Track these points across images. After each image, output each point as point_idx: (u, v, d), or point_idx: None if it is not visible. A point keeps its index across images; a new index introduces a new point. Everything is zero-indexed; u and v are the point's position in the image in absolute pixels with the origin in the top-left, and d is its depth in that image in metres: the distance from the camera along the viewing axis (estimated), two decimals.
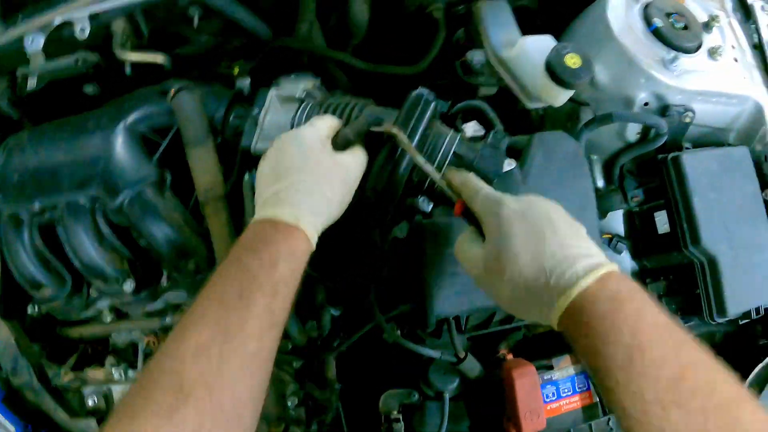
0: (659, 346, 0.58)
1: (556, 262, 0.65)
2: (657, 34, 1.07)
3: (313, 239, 0.75)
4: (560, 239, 0.67)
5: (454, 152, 0.91)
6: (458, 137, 0.93)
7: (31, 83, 1.24)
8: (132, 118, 1.05)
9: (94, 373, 1.11)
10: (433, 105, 0.90)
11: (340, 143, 0.84)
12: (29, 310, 1.16)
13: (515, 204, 0.71)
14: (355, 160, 0.84)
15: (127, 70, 1.21)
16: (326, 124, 0.85)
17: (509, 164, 0.92)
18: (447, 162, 0.91)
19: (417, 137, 0.88)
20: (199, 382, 0.59)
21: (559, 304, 0.63)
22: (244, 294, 0.66)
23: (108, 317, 1.14)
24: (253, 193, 0.98)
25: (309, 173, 0.77)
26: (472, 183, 0.78)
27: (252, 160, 1.01)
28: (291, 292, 0.71)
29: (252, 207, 0.98)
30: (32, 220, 1.08)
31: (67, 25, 1.12)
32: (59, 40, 1.18)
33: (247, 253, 0.71)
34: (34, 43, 1.18)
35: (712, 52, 1.09)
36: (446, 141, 0.92)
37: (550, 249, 0.66)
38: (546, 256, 0.66)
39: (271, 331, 0.67)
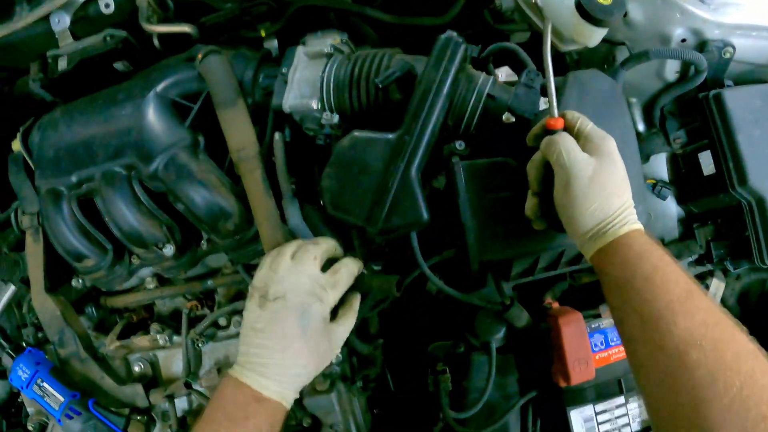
0: (675, 272, 0.70)
1: (630, 204, 0.78)
2: None
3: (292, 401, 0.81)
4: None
5: (488, 94, 0.90)
6: (491, 79, 0.91)
7: (62, 64, 1.25)
8: (161, 86, 1.05)
9: (140, 341, 1.12)
10: (463, 47, 0.88)
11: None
12: (73, 283, 1.18)
13: (615, 144, 0.81)
14: (346, 328, 0.85)
15: (156, 42, 1.22)
16: (333, 297, 0.84)
17: (545, 103, 0.89)
18: (482, 104, 0.89)
19: (449, 81, 0.87)
20: None
21: (622, 229, 0.74)
22: None
23: (151, 284, 1.15)
24: (285, 155, 0.99)
25: (302, 357, 0.79)
26: (579, 115, 0.83)
27: (284, 119, 1.01)
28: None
29: (284, 167, 0.99)
30: (70, 193, 1.09)
31: (92, 1, 1.14)
32: (86, 19, 1.20)
33: (229, 424, 0.75)
34: (61, 23, 1.20)
35: None
36: (479, 83, 0.90)
37: (629, 194, 0.79)
38: (627, 196, 0.78)
39: None
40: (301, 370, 0.80)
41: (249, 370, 0.78)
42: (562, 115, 0.83)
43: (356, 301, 0.88)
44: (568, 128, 0.82)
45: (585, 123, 0.82)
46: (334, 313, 0.85)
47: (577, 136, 0.81)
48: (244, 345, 0.81)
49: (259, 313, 0.80)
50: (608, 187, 0.76)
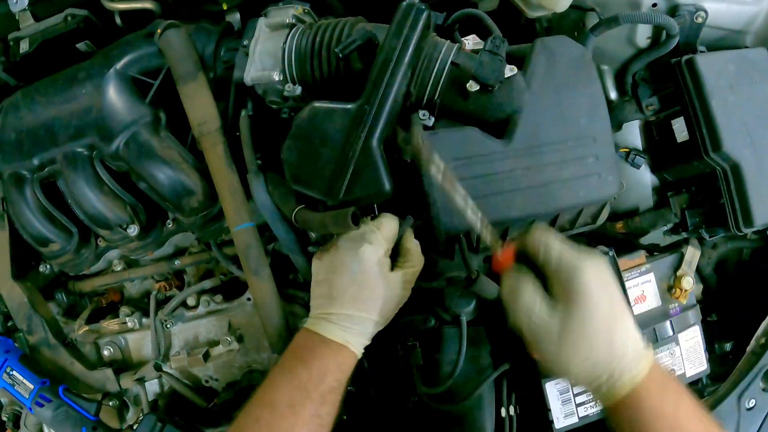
0: (695, 424, 0.65)
1: (624, 347, 0.67)
2: None
3: (360, 352, 0.83)
4: (628, 322, 0.69)
5: (451, 62, 0.88)
6: (455, 47, 0.89)
7: (24, 46, 1.23)
8: (121, 63, 1.03)
9: (109, 324, 1.10)
10: (425, 14, 0.86)
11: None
12: (41, 269, 1.16)
13: (593, 271, 0.68)
14: (412, 276, 0.85)
15: (118, 20, 1.19)
16: (385, 235, 0.83)
17: (511, 70, 0.87)
18: (446, 71, 0.87)
19: (410, 48, 0.84)
20: None
21: (619, 391, 0.66)
22: (294, 402, 0.74)
23: (119, 267, 1.14)
24: (250, 130, 0.97)
25: (363, 304, 0.80)
26: (545, 239, 0.71)
27: (247, 92, 0.99)
28: (338, 397, 0.78)
29: (249, 141, 0.96)
30: (33, 176, 1.07)
31: None
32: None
33: (297, 363, 0.78)
34: (19, 3, 1.18)
35: None
36: (443, 51, 0.88)
37: (621, 332, 0.67)
38: (617, 341, 0.67)
39: None
40: (363, 314, 0.80)
41: (316, 318, 0.82)
42: (522, 242, 0.73)
43: (412, 245, 0.86)
44: (531, 255, 0.71)
45: (550, 248, 0.70)
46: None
47: (543, 266, 0.71)
48: (311, 298, 0.85)
49: (317, 265, 0.85)
50: (584, 342, 0.66)
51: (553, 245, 0.70)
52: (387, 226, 0.85)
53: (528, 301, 0.69)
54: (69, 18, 1.19)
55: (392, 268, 0.84)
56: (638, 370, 0.66)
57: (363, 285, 0.80)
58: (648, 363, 0.67)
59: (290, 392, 0.75)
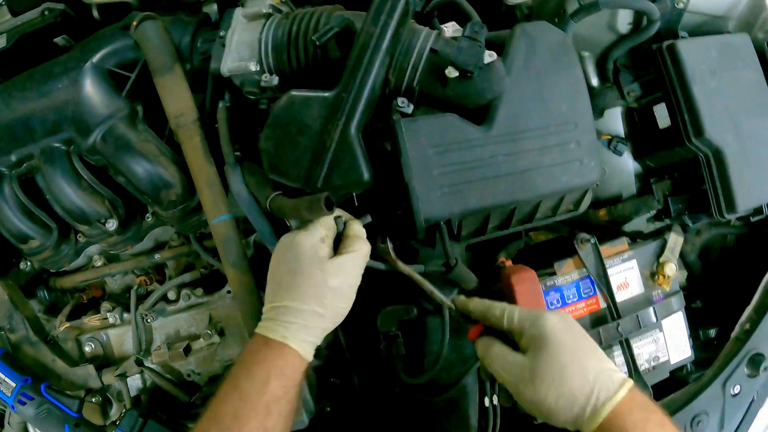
0: None
1: (598, 373, 0.70)
2: None
3: (307, 353, 0.78)
4: (599, 352, 0.74)
5: (430, 48, 0.87)
6: (434, 33, 0.89)
7: (1, 42, 1.21)
8: (98, 56, 1.02)
9: (90, 320, 1.09)
10: (403, 1, 0.85)
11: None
12: (21, 266, 1.15)
13: (556, 317, 0.74)
14: (354, 261, 0.81)
15: (95, 14, 1.18)
16: (321, 221, 0.81)
17: (490, 56, 0.86)
18: (424, 58, 0.86)
19: (388, 35, 0.84)
20: None
21: (601, 412, 0.68)
22: (238, 415, 0.71)
23: (99, 262, 1.13)
24: (228, 121, 0.96)
25: (298, 291, 0.77)
26: (496, 306, 0.79)
27: (224, 83, 0.98)
28: (285, 407, 0.74)
29: (227, 133, 0.95)
30: (11, 173, 1.06)
31: None
32: None
33: (242, 372, 0.75)
34: None
35: None
36: (422, 37, 0.87)
37: (593, 361, 0.72)
38: (590, 368, 0.71)
39: None
40: (298, 304, 0.76)
41: (262, 320, 0.79)
42: (483, 318, 0.80)
43: (354, 231, 0.84)
44: (495, 324, 0.78)
45: (510, 314, 0.77)
46: None
47: (509, 327, 0.76)
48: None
49: (270, 264, 0.82)
50: (555, 375, 0.70)
51: (510, 309, 0.77)
52: (324, 218, 0.82)
53: (500, 350, 0.75)
54: (46, 12, 1.18)
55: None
56: (617, 392, 0.69)
57: (296, 272, 0.77)
58: (627, 385, 0.70)
59: (234, 404, 0.72)
